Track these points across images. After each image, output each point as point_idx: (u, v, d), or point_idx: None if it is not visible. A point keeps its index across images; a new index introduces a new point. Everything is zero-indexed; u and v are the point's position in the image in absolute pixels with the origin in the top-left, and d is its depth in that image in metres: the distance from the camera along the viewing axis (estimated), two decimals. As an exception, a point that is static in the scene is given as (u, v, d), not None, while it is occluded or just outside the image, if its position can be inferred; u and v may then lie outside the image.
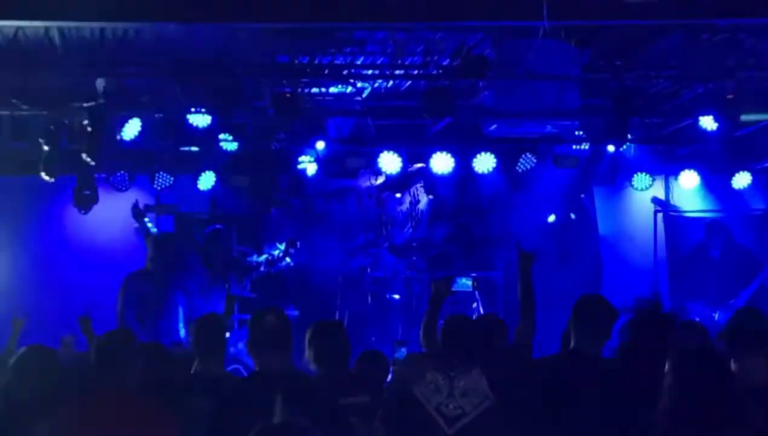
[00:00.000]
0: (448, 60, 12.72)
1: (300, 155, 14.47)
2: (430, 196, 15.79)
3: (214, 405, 6.49)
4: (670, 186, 15.81)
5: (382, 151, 14.09)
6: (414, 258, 15.67)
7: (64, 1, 9.13)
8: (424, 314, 8.49)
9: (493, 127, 13.58)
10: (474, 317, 9.26)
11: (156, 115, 13.20)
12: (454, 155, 14.09)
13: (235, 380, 7.95)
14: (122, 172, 14.20)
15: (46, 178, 13.45)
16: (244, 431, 4.49)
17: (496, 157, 14.21)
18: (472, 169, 14.29)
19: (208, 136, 13.71)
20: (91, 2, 9.30)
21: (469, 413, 7.49)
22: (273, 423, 4.42)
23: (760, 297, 14.27)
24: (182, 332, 12.15)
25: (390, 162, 14.13)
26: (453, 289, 8.92)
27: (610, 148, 14.38)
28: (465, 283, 12.42)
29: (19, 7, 9.22)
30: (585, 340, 7.42)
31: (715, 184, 15.52)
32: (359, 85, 13.66)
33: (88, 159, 12.97)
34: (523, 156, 14.24)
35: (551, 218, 15.82)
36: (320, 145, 14.02)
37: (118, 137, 13.06)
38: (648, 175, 15.01)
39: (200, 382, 7.45)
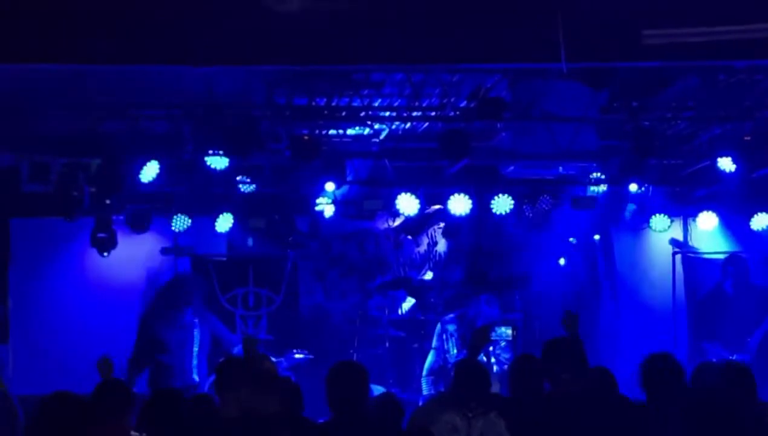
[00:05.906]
0: (465, 102, 12.75)
1: (317, 197, 14.45)
2: (448, 238, 15.77)
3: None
4: (689, 227, 15.75)
5: (399, 193, 14.08)
6: (432, 300, 15.62)
7: (81, 44, 9.16)
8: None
9: (511, 168, 13.60)
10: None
11: (174, 158, 13.24)
12: (471, 197, 14.07)
13: (250, 420, 7.94)
14: (140, 214, 14.20)
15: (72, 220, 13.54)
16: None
17: (513, 198, 14.19)
18: (489, 210, 14.27)
19: (225, 178, 13.75)
20: (110, 45, 9.35)
21: (485, 454, 7.48)
22: None
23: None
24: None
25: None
26: (492, 337, 8.94)
27: (632, 187, 14.35)
28: (504, 332, 12.47)
29: (35, 50, 9.26)
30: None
31: (733, 225, 15.45)
32: (377, 126, 13.69)
33: (107, 202, 13.03)
34: (541, 198, 14.23)
35: (561, 261, 15.75)
36: (332, 186, 13.99)
37: (137, 180, 13.11)
38: (666, 217, 14.93)
39: (216, 424, 7.46)
